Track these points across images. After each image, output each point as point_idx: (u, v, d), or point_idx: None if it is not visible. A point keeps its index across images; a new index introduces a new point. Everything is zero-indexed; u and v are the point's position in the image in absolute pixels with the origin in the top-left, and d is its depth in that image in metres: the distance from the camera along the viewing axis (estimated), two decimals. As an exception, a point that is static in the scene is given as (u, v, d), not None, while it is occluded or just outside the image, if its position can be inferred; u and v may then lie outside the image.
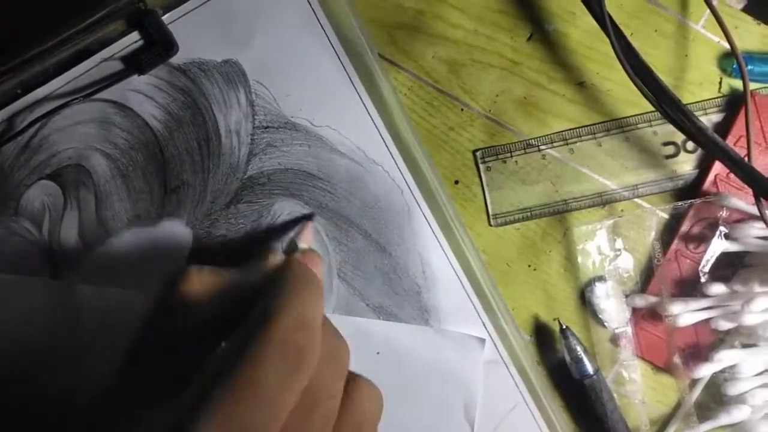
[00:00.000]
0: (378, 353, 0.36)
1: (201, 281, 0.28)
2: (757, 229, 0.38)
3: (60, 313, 0.35)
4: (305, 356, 0.24)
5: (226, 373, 0.23)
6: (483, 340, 0.38)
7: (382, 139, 0.38)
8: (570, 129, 0.40)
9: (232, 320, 0.26)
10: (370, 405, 0.26)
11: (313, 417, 0.24)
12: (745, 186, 0.37)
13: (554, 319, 0.39)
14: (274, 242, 0.37)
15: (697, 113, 0.38)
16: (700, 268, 0.39)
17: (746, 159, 0.37)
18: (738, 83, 0.40)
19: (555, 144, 0.40)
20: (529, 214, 0.40)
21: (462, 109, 0.40)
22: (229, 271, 0.30)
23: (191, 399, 0.23)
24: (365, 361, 0.34)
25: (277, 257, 0.31)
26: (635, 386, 0.39)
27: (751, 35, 0.41)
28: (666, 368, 0.39)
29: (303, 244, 0.34)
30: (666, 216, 0.40)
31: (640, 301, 0.39)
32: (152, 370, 0.26)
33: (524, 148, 0.40)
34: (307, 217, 0.37)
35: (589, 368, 0.38)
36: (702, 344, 0.39)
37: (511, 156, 0.40)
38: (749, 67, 0.39)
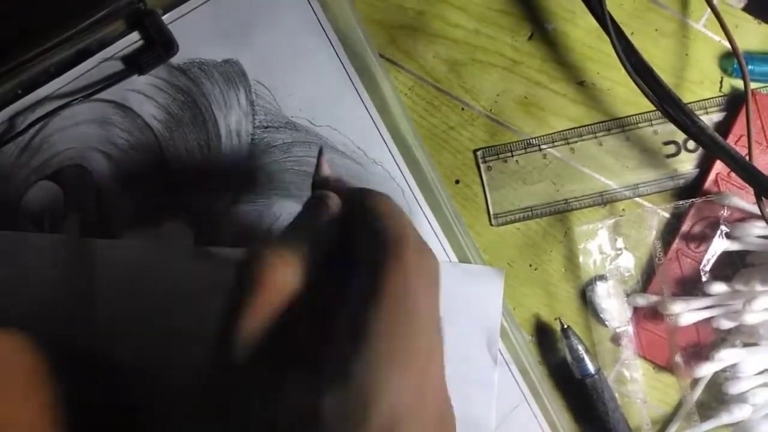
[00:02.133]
0: None
1: (278, 254, 0.25)
2: (758, 228, 0.38)
3: (74, 268, 0.35)
4: (437, 271, 0.24)
5: (371, 309, 0.22)
6: (501, 271, 0.38)
7: (383, 138, 0.38)
8: (571, 128, 0.40)
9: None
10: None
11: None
12: (746, 185, 0.37)
13: (555, 319, 0.39)
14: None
15: (697, 112, 0.38)
16: (701, 267, 0.39)
17: (747, 158, 0.37)
18: (739, 82, 0.40)
19: (556, 143, 0.40)
20: (530, 213, 0.40)
21: (463, 109, 0.40)
22: (297, 227, 0.27)
23: (352, 350, 0.22)
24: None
25: (333, 198, 0.28)
26: (636, 385, 0.39)
27: (751, 34, 0.41)
28: (667, 367, 0.39)
29: (323, 174, 0.32)
30: (667, 215, 0.40)
31: (642, 301, 0.39)
32: (276, 341, 0.24)
33: (525, 148, 0.40)
34: (318, 154, 0.36)
35: (591, 368, 0.38)
36: (703, 343, 0.39)
37: (512, 155, 0.40)
38: (750, 66, 0.39)
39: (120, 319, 0.35)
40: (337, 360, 0.22)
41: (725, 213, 0.39)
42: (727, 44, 0.39)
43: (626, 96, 0.40)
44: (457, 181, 0.40)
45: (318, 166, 0.32)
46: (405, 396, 0.22)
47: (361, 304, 0.23)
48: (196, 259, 0.36)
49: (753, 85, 0.39)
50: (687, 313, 0.38)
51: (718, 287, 0.38)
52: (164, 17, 0.37)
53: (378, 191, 0.27)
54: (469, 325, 0.37)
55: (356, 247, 0.25)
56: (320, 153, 0.32)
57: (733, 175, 0.38)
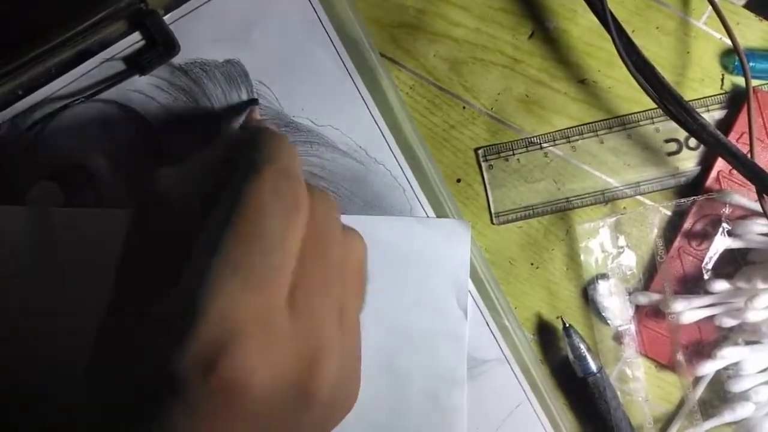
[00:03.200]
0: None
1: (169, 176, 0.27)
2: (760, 225, 0.38)
3: (35, 237, 0.35)
4: (299, 199, 0.24)
5: (223, 225, 0.23)
6: (467, 223, 0.38)
7: (384, 137, 0.38)
8: (572, 127, 0.40)
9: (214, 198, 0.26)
10: (362, 249, 0.27)
11: (325, 261, 0.24)
12: (748, 183, 0.37)
13: (557, 317, 0.39)
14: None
15: (699, 110, 0.38)
16: (703, 265, 0.39)
17: (749, 155, 0.37)
18: (740, 80, 0.40)
19: (557, 142, 0.40)
20: (531, 212, 0.40)
21: (464, 108, 0.40)
22: (194, 157, 0.28)
23: (195, 264, 0.22)
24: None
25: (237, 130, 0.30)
26: (638, 384, 0.39)
27: (753, 32, 0.41)
28: (669, 366, 0.39)
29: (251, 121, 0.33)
30: (669, 213, 0.40)
31: (643, 299, 0.39)
32: (148, 275, 0.25)
33: (526, 146, 0.40)
34: (252, 102, 0.37)
35: (593, 366, 0.38)
36: (705, 341, 0.39)
37: (513, 154, 0.40)
38: (751, 63, 0.39)
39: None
40: (187, 269, 0.23)
41: (727, 211, 0.39)
42: (729, 41, 0.39)
43: (627, 94, 0.40)
44: (459, 180, 0.40)
45: (249, 115, 0.34)
46: (243, 311, 0.21)
47: (213, 221, 0.23)
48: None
49: (754, 83, 0.39)
50: (689, 311, 0.38)
51: (720, 285, 0.38)
52: (165, 17, 0.37)
53: (275, 132, 0.28)
54: (436, 279, 0.36)
55: (233, 166, 0.26)
56: (253, 102, 0.34)
57: (734, 172, 0.38)
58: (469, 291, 0.38)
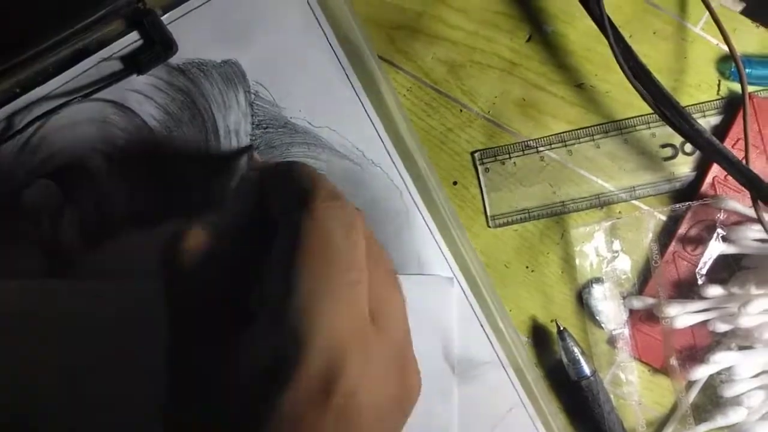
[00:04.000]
0: None
1: (198, 240, 0.27)
2: (754, 231, 0.38)
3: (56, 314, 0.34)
4: (353, 216, 0.25)
5: (293, 259, 0.23)
6: (452, 279, 0.38)
7: (381, 139, 0.38)
8: (568, 131, 0.40)
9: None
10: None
11: (381, 268, 0.25)
12: (743, 188, 0.37)
13: (552, 321, 0.40)
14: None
15: (695, 116, 0.38)
16: (697, 270, 0.39)
17: (744, 161, 0.37)
18: (736, 86, 0.40)
19: (553, 146, 0.40)
20: (527, 215, 0.40)
21: (461, 110, 0.40)
22: (223, 212, 0.29)
23: (275, 302, 0.23)
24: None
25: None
26: (632, 388, 0.39)
27: (749, 38, 0.41)
28: (663, 370, 0.39)
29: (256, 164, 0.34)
30: (664, 218, 0.40)
31: (638, 303, 0.39)
32: (209, 324, 0.25)
33: (523, 150, 0.40)
34: (248, 149, 0.37)
35: (586, 370, 0.38)
36: (699, 346, 0.39)
37: (510, 157, 0.40)
38: (748, 69, 0.39)
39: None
40: (267, 311, 0.23)
41: (722, 216, 0.39)
42: (725, 47, 0.39)
43: (624, 99, 0.40)
44: (455, 183, 0.40)
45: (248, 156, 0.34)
46: (341, 331, 0.22)
47: (281, 255, 0.24)
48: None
49: (750, 89, 0.39)
50: (683, 315, 0.38)
51: (714, 290, 0.38)
52: (163, 17, 0.37)
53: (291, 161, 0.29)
54: (423, 337, 0.36)
55: (272, 207, 0.26)
56: (249, 149, 0.35)
57: (729, 178, 0.38)
58: (464, 294, 0.38)
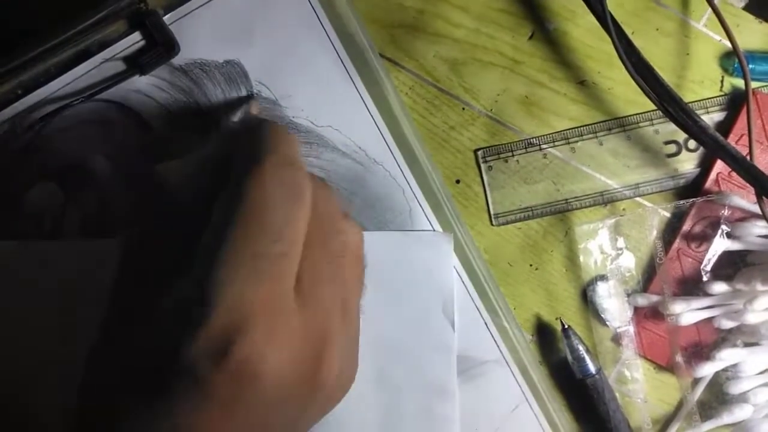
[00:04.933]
0: None
1: (169, 169, 0.27)
2: (759, 227, 0.38)
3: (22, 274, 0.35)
4: (302, 188, 0.24)
5: (228, 216, 0.23)
6: (451, 235, 0.38)
7: (384, 138, 0.38)
8: (571, 128, 0.40)
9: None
10: (360, 235, 0.28)
11: (329, 249, 0.25)
12: (747, 185, 0.37)
13: (556, 319, 0.39)
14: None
15: (698, 112, 0.38)
16: (702, 266, 0.39)
17: (748, 157, 0.37)
18: (739, 82, 0.40)
19: (556, 143, 0.40)
20: (530, 213, 0.40)
21: (463, 108, 0.40)
22: (194, 153, 0.29)
23: (202, 256, 0.23)
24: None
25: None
26: (637, 385, 0.39)
27: (752, 34, 0.41)
28: (668, 367, 0.39)
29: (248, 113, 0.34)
30: (668, 215, 0.40)
31: (642, 300, 0.39)
32: (153, 268, 0.25)
33: (525, 147, 0.40)
34: (249, 98, 0.37)
35: (591, 368, 0.38)
36: (704, 343, 0.39)
37: (513, 155, 0.40)
38: (751, 65, 0.39)
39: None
40: (197, 261, 0.23)
41: (726, 212, 0.39)
42: (728, 43, 0.39)
43: (627, 95, 0.40)
44: (458, 181, 0.40)
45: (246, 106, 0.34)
46: (252, 300, 0.22)
47: (218, 210, 0.24)
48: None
49: (754, 85, 0.39)
50: (688, 312, 0.38)
51: (719, 287, 0.38)
52: (165, 18, 0.37)
53: (276, 123, 0.28)
54: (423, 292, 0.36)
55: (232, 161, 0.26)
56: (250, 97, 0.34)
57: (733, 174, 0.38)
58: (468, 292, 0.38)
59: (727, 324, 0.38)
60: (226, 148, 0.27)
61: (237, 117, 0.37)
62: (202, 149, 0.29)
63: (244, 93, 0.38)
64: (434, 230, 0.38)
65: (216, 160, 0.27)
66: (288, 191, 0.24)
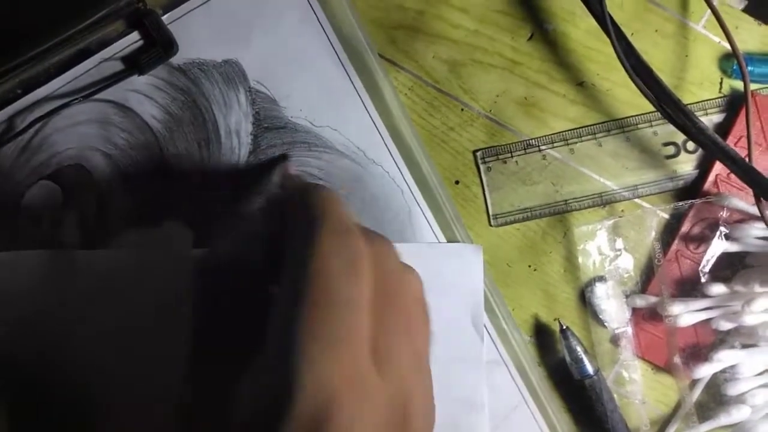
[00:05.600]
0: None
1: (224, 248, 0.27)
2: (757, 229, 0.38)
3: (54, 281, 0.35)
4: (360, 252, 0.24)
5: (294, 294, 0.23)
6: (479, 247, 0.38)
7: (383, 139, 0.38)
8: (570, 129, 0.40)
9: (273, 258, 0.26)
10: (420, 282, 0.27)
11: (395, 306, 0.25)
12: (746, 186, 0.37)
13: (554, 320, 0.39)
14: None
15: (697, 113, 0.38)
16: (700, 268, 0.39)
17: (747, 159, 0.37)
18: (738, 84, 0.40)
19: (555, 144, 0.40)
20: (529, 214, 0.40)
21: (462, 109, 0.40)
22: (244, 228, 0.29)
23: (275, 338, 0.23)
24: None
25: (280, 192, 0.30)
26: (635, 386, 0.39)
27: (751, 36, 0.41)
28: (666, 368, 0.39)
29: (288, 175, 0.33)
30: (666, 216, 0.40)
31: (641, 302, 0.39)
32: (224, 340, 0.25)
33: (524, 149, 0.40)
34: (283, 157, 0.36)
35: (590, 368, 0.38)
36: (702, 344, 0.39)
37: (512, 156, 0.40)
38: (750, 67, 0.39)
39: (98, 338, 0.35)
40: (269, 347, 0.23)
41: (724, 214, 0.39)
42: (727, 45, 0.39)
43: (626, 97, 0.40)
44: (457, 182, 0.40)
45: (285, 171, 0.33)
46: (334, 378, 0.22)
47: (282, 292, 0.24)
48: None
49: (753, 87, 0.39)
50: (686, 314, 0.38)
51: (718, 288, 0.38)
52: (164, 17, 0.37)
53: (318, 185, 0.28)
54: (452, 304, 0.36)
55: (284, 236, 0.26)
56: (285, 158, 0.33)
57: (732, 176, 0.38)
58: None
59: (726, 325, 0.38)
60: (277, 222, 0.27)
61: (275, 178, 0.36)
62: (250, 224, 0.28)
63: (243, 97, 0.38)
64: (464, 242, 0.38)
65: (269, 235, 0.27)
66: (348, 259, 0.24)
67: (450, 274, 0.37)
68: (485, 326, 0.38)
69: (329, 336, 0.22)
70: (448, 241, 0.38)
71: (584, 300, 0.40)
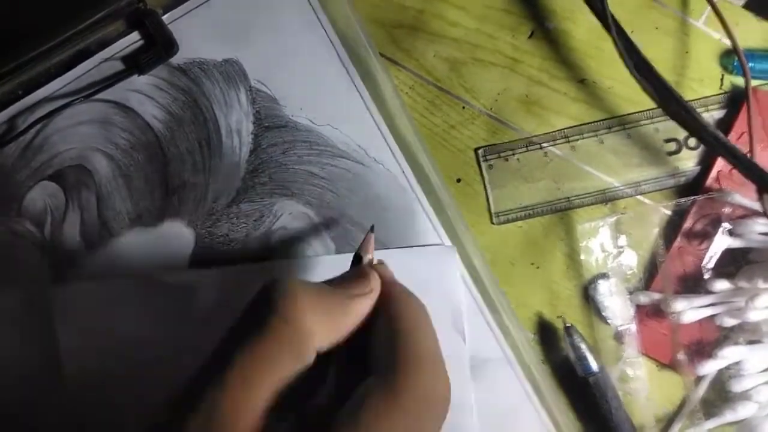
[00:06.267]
0: None
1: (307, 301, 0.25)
2: (760, 225, 0.38)
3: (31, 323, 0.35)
4: (446, 396, 0.26)
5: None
6: (454, 248, 0.38)
7: (384, 137, 0.38)
8: (572, 126, 0.40)
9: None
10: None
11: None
12: (748, 182, 0.37)
13: (558, 317, 0.39)
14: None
15: (699, 110, 0.38)
16: (703, 264, 0.39)
17: (749, 155, 0.37)
18: (739, 80, 0.40)
19: (557, 141, 0.40)
20: (531, 211, 0.40)
21: (463, 108, 0.40)
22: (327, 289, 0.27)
23: None
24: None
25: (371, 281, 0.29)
26: (640, 383, 0.39)
27: (752, 32, 0.41)
28: (670, 365, 0.39)
29: (368, 255, 0.32)
30: (669, 213, 0.40)
31: (644, 298, 0.39)
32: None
33: (526, 146, 0.40)
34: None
35: (593, 366, 0.38)
36: (706, 341, 0.39)
37: (513, 154, 0.40)
38: (751, 63, 0.39)
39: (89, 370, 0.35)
40: None
41: (727, 210, 0.39)
42: (728, 42, 0.39)
43: (627, 94, 0.40)
44: (459, 180, 0.40)
45: (364, 242, 0.32)
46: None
47: (363, 415, 0.23)
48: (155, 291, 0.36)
49: (754, 83, 0.39)
50: (690, 310, 0.38)
51: (721, 284, 0.38)
52: (164, 17, 0.37)
53: (413, 297, 0.28)
54: (430, 307, 0.36)
55: (375, 349, 0.26)
56: (370, 230, 0.33)
57: (734, 172, 0.38)
58: (469, 291, 0.38)
59: (729, 322, 0.38)
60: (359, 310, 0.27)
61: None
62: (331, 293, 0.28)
63: (243, 96, 0.38)
64: (441, 244, 0.38)
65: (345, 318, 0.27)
66: (435, 405, 0.26)
67: (426, 277, 0.37)
68: (488, 325, 0.38)
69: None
70: (450, 240, 0.38)
71: (587, 297, 0.40)
